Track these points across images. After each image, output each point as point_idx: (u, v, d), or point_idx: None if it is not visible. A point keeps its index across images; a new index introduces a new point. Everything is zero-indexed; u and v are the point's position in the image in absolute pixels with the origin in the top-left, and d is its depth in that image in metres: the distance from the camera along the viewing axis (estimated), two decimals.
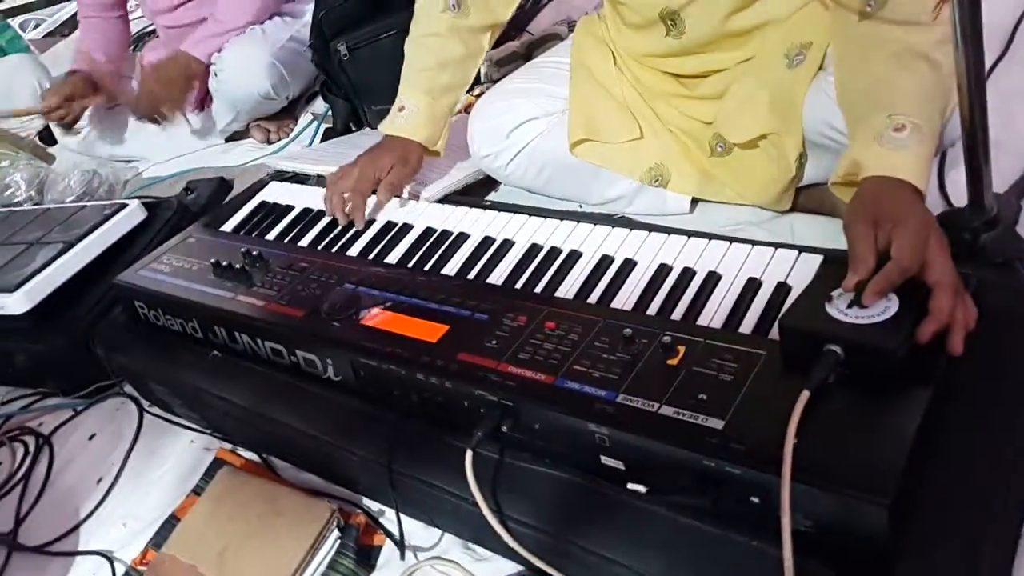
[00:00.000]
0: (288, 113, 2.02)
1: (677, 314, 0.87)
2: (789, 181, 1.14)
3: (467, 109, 1.71)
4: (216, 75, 1.86)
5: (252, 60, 1.85)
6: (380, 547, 1.00)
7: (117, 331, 1.28)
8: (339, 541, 0.98)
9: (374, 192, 1.23)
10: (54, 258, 1.38)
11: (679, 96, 1.23)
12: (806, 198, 1.19)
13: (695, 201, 1.26)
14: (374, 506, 1.04)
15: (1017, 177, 1.10)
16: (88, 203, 1.61)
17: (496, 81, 1.42)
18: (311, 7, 1.95)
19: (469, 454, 0.79)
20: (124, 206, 1.49)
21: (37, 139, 2.42)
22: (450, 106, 1.29)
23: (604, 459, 0.76)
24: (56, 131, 2.19)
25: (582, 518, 0.77)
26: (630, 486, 0.74)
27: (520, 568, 0.89)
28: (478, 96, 1.52)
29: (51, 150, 2.39)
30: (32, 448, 1.37)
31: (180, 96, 1.92)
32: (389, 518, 1.02)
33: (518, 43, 1.81)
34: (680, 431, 0.70)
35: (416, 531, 0.98)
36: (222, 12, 1.88)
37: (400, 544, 0.94)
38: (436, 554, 0.96)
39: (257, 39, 1.89)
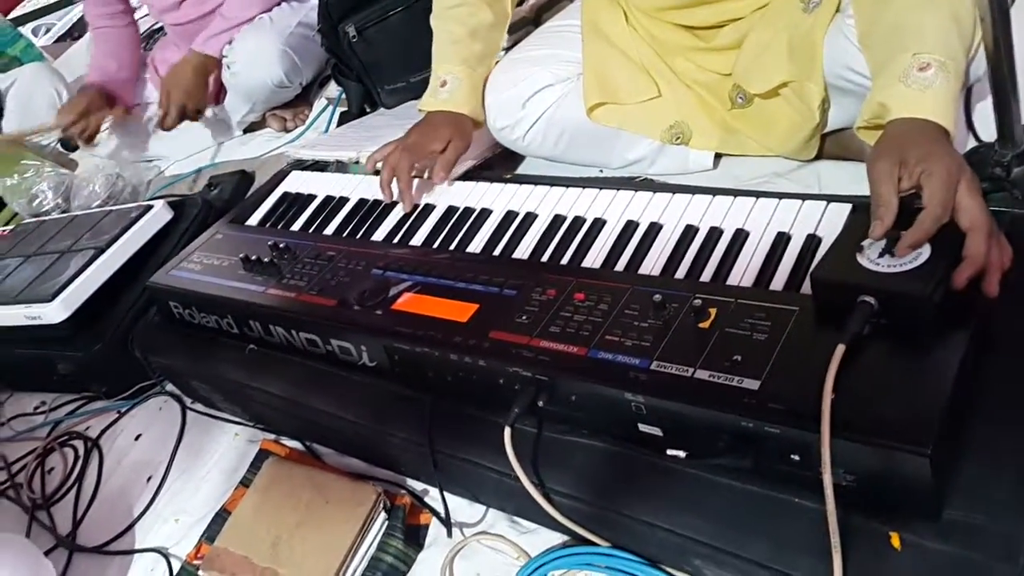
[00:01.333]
0: (303, 99, 2.02)
1: (706, 275, 0.86)
2: (813, 128, 1.11)
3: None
4: (229, 68, 1.86)
5: (263, 50, 1.85)
6: (427, 526, 1.01)
7: (154, 332, 1.30)
8: (387, 523, 0.99)
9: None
10: (87, 265, 1.40)
11: (695, 49, 1.20)
12: (832, 144, 1.17)
13: (718, 156, 1.24)
14: (418, 486, 1.06)
15: None
16: (115, 207, 1.63)
17: (507, 49, 1.41)
18: None
19: (507, 431, 0.80)
20: (150, 207, 1.50)
21: (59, 146, 2.45)
22: (485, 76, 1.28)
23: (642, 427, 0.76)
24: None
25: (624, 486, 0.77)
26: (669, 452, 0.74)
27: (566, 538, 0.90)
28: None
29: (73, 156, 2.42)
30: (82, 452, 1.41)
31: (201, 96, 1.92)
32: (433, 496, 1.03)
33: (527, 7, 1.78)
34: (716, 394, 0.70)
35: (461, 508, 1.00)
36: (229, 7, 1.87)
37: (447, 522, 0.95)
38: (482, 529, 0.97)
39: (266, 28, 1.88)
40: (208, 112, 2.00)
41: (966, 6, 0.82)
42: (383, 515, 1.00)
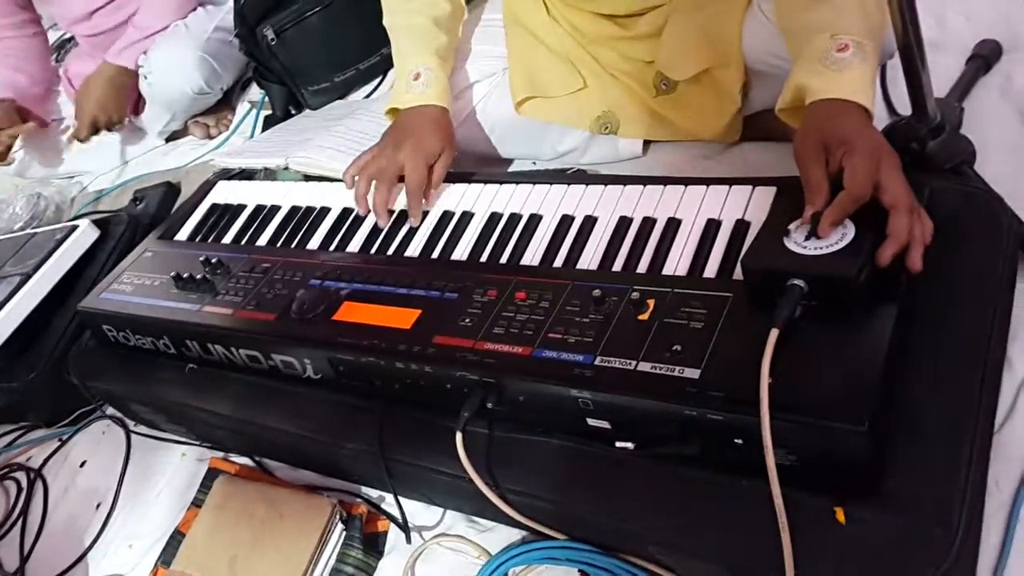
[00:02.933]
0: (225, 104, 1.97)
1: (643, 266, 0.87)
2: (735, 113, 1.14)
3: None
4: (146, 78, 1.80)
5: (180, 58, 1.79)
6: (385, 532, 1.01)
7: (89, 357, 1.26)
8: (344, 533, 0.99)
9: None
10: (13, 292, 1.35)
11: (616, 38, 1.22)
12: (755, 126, 1.20)
13: (647, 143, 1.26)
14: (373, 493, 1.06)
15: (956, 77, 1.11)
16: (38, 229, 1.57)
17: None
18: None
19: (459, 436, 0.80)
20: (75, 228, 1.45)
21: None
22: (449, 70, 1.21)
23: (591, 421, 0.77)
24: None
25: (577, 480, 0.78)
26: (618, 444, 0.75)
27: (524, 533, 0.91)
28: None
29: None
30: (25, 483, 1.37)
31: (116, 108, 1.86)
32: (390, 503, 1.03)
33: None
34: (659, 386, 0.71)
35: (418, 511, 1.00)
36: (141, 17, 1.81)
37: (405, 528, 0.96)
38: (441, 531, 0.98)
39: (182, 35, 1.82)
40: (126, 123, 1.94)
41: None
42: (340, 526, 1.00)
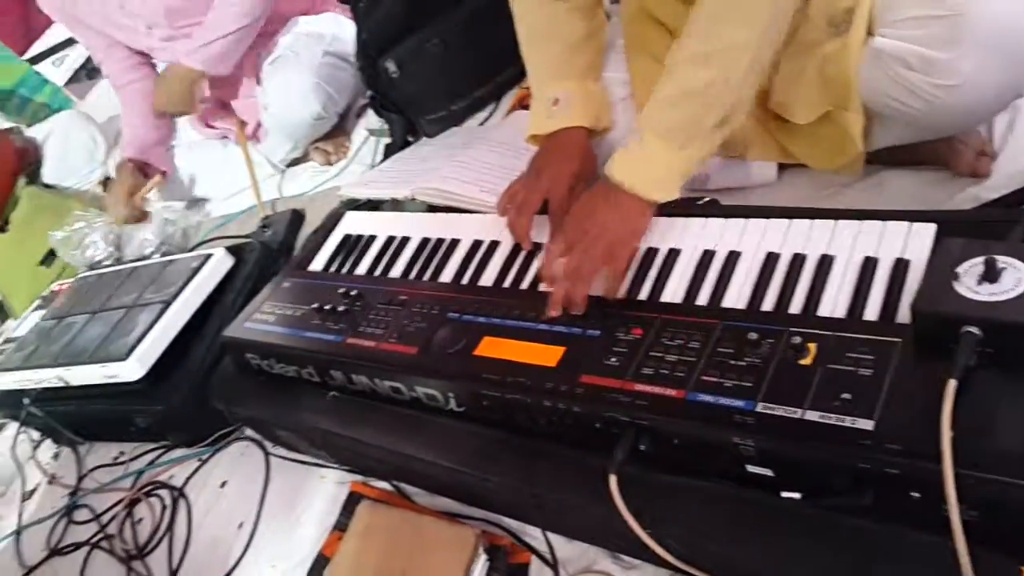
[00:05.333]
0: (341, 130, 2.03)
1: (795, 306, 0.86)
2: (856, 154, 1.10)
3: (523, 102, 1.71)
4: (266, 108, 1.88)
5: (297, 85, 1.86)
6: (527, 564, 1.03)
7: (231, 382, 1.32)
8: (488, 564, 1.01)
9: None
10: (156, 320, 1.43)
11: None
12: (891, 153, 1.16)
13: (781, 168, 1.24)
14: (513, 523, 1.07)
15: None
16: (173, 257, 1.66)
17: None
18: (328, 20, 1.96)
19: (613, 479, 0.81)
20: (210, 256, 1.53)
21: (102, 191, 2.48)
22: (596, 86, 1.21)
23: (751, 468, 0.77)
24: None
25: (738, 527, 0.78)
26: (784, 494, 0.74)
27: (672, 574, 0.91)
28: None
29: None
30: (169, 501, 1.44)
31: (183, 104, 1.93)
32: (530, 533, 1.05)
33: None
34: (830, 436, 0.70)
35: (559, 545, 1.01)
36: (212, 19, 1.86)
37: (554, 565, 0.97)
38: (584, 566, 0.98)
39: (292, 63, 1.89)
40: (253, 153, 2.02)
41: None
42: (484, 557, 1.01)
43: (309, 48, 1.93)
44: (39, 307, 1.85)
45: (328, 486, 1.27)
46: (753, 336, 0.80)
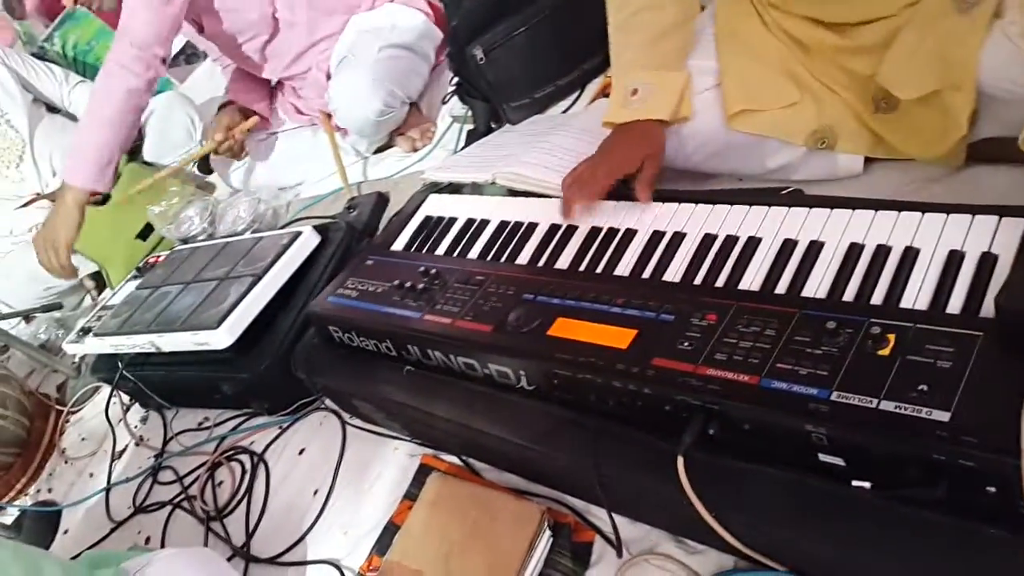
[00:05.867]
0: (423, 116, 2.07)
1: (877, 297, 0.85)
2: (959, 139, 1.07)
3: (605, 91, 1.71)
4: (335, 112, 1.95)
5: (354, 88, 1.89)
6: (591, 544, 1.04)
7: (314, 353, 1.37)
8: (552, 541, 1.03)
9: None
10: (246, 292, 1.49)
11: (836, 48, 1.17)
12: (982, 148, 1.12)
13: (867, 161, 1.21)
14: (577, 502, 1.08)
15: None
16: (263, 233, 1.72)
17: None
18: (384, 13, 2.01)
19: (681, 460, 0.81)
20: (299, 234, 1.59)
21: (196, 170, 2.60)
22: (678, 76, 1.22)
23: (822, 457, 0.76)
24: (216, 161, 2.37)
25: (807, 515, 0.77)
26: (855, 483, 0.74)
27: (736, 559, 0.91)
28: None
29: (209, 179, 2.57)
30: (249, 466, 1.51)
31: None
32: (594, 514, 1.06)
33: None
34: (905, 427, 0.69)
35: (623, 526, 1.01)
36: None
37: (617, 545, 0.98)
38: (648, 548, 0.99)
39: (350, 64, 1.93)
40: (340, 141, 2.10)
41: None
42: (548, 533, 1.03)
43: (365, 46, 1.96)
44: (134, 277, 1.94)
45: (400, 457, 1.31)
46: (831, 325, 0.80)
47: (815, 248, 0.94)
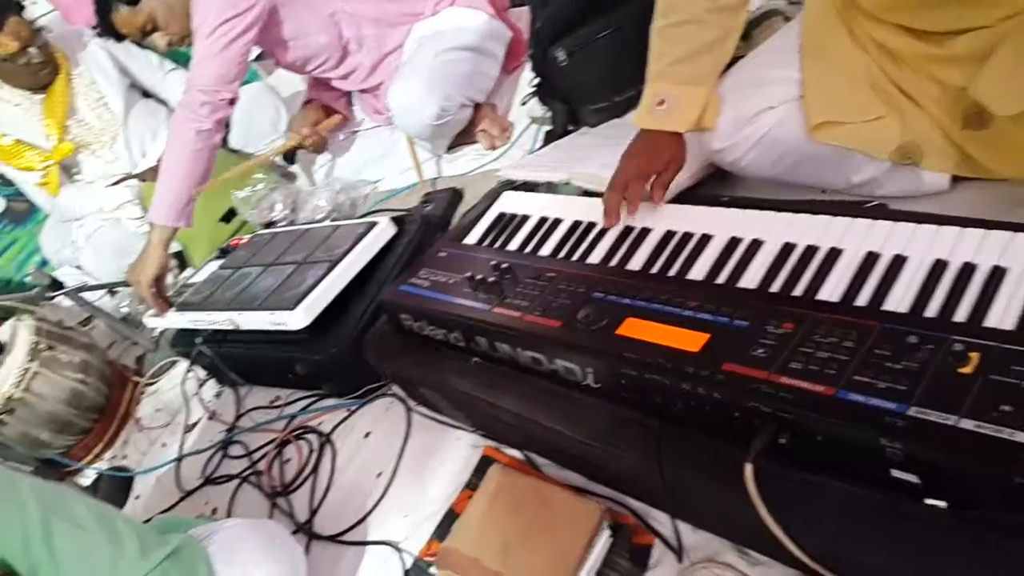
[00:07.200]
0: (504, 117, 2.09)
1: (961, 315, 0.83)
2: None
3: None
4: (396, 120, 1.99)
5: (407, 96, 1.92)
6: (650, 547, 1.04)
7: (385, 340, 1.40)
8: (611, 540, 1.03)
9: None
10: (323, 276, 1.54)
11: (927, 58, 1.14)
12: None
13: (954, 177, 1.18)
14: (638, 505, 1.08)
15: None
16: (341, 222, 1.77)
17: None
18: (445, 17, 2.02)
19: (749, 468, 0.81)
20: (376, 224, 1.62)
21: (281, 159, 2.68)
22: (706, 91, 1.24)
23: (895, 473, 0.75)
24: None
25: (878, 532, 0.76)
26: (929, 502, 0.72)
27: (799, 573, 0.89)
28: None
29: (291, 169, 2.65)
30: (316, 445, 1.55)
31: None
32: (654, 517, 1.06)
33: None
34: (986, 447, 0.68)
35: (684, 532, 1.01)
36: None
37: (679, 550, 0.97)
38: (708, 555, 0.98)
39: (405, 75, 1.96)
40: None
41: None
42: (607, 532, 1.03)
43: (421, 53, 1.98)
44: (217, 258, 2.02)
45: (463, 447, 1.33)
46: (912, 340, 0.78)
47: (898, 262, 0.92)
